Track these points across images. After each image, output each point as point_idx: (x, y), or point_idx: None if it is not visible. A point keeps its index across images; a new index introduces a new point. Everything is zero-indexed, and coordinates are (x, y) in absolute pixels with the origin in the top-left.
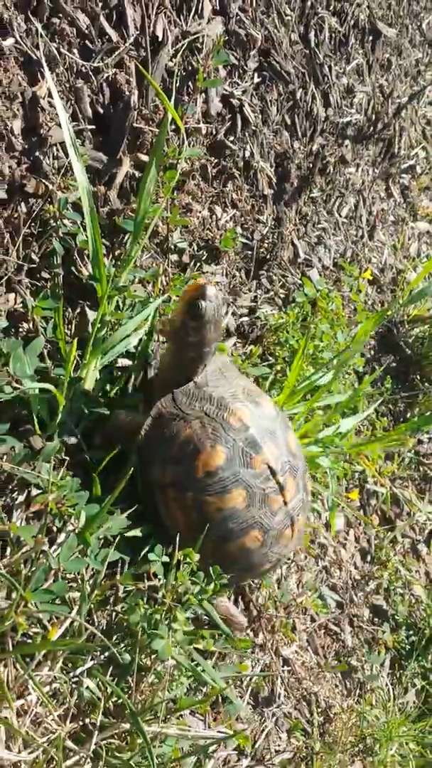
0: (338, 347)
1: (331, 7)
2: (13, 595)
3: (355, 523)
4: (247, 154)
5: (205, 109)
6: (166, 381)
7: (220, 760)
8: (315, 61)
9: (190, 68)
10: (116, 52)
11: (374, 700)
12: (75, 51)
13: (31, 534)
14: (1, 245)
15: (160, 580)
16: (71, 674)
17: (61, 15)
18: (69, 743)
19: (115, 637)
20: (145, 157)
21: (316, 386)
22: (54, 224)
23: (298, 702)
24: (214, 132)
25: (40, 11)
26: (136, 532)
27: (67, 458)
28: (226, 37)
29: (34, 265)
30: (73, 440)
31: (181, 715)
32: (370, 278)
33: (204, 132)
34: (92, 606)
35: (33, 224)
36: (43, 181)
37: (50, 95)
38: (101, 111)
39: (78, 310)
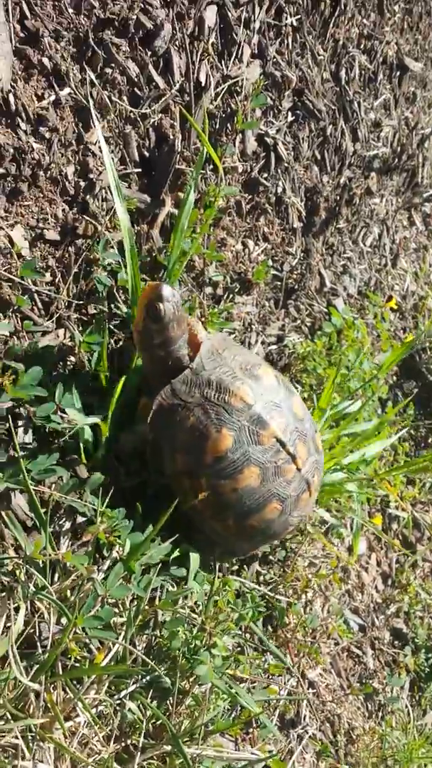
0: (364, 376)
1: (362, 46)
2: (63, 620)
3: (377, 547)
4: (280, 189)
5: (242, 149)
6: (159, 385)
7: None
8: (345, 98)
9: (228, 110)
10: (163, 99)
11: (394, 721)
12: (125, 98)
13: (83, 563)
14: (53, 284)
15: (199, 606)
16: (115, 697)
17: (113, 65)
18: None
19: (154, 661)
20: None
21: (342, 414)
22: (99, 263)
23: (321, 723)
24: (248, 169)
25: (94, 61)
26: (176, 553)
27: (111, 487)
28: (265, 81)
29: (82, 302)
30: (114, 469)
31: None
32: (395, 307)
33: (240, 170)
34: (133, 630)
35: (82, 263)
36: (92, 222)
37: (100, 141)
38: (147, 154)
39: (120, 343)
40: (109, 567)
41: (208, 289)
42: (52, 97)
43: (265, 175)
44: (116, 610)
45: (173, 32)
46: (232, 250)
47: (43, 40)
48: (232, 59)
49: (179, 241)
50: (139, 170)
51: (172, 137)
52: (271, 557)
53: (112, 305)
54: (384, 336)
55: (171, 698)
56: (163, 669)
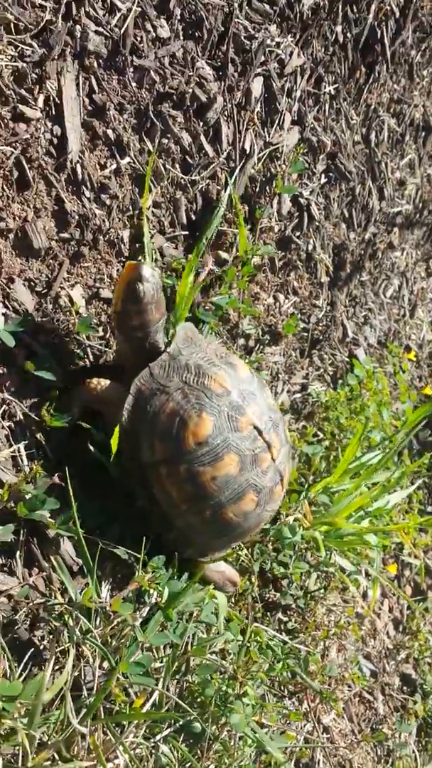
0: (384, 426)
1: (392, 110)
2: (105, 664)
3: (389, 593)
4: (310, 247)
5: (278, 209)
6: (134, 368)
7: None
8: (374, 159)
9: (268, 174)
10: (211, 166)
11: (402, 767)
12: (177, 166)
13: (128, 611)
14: (103, 338)
15: (230, 654)
16: (150, 740)
17: (169, 135)
18: None
19: (187, 706)
20: (225, 255)
21: (364, 464)
22: None
23: None
24: (283, 228)
25: (152, 132)
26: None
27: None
28: (305, 150)
29: None
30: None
31: None
32: (414, 358)
33: (276, 230)
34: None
35: None
36: None
37: (153, 207)
38: (193, 218)
39: None
40: (147, 613)
41: (241, 341)
42: (114, 166)
43: (298, 233)
44: (152, 655)
45: (224, 103)
46: (264, 303)
47: (108, 113)
48: (275, 126)
49: (183, 312)
50: (186, 233)
51: (216, 201)
52: (293, 605)
53: None
54: (402, 387)
55: (202, 743)
56: (195, 715)
